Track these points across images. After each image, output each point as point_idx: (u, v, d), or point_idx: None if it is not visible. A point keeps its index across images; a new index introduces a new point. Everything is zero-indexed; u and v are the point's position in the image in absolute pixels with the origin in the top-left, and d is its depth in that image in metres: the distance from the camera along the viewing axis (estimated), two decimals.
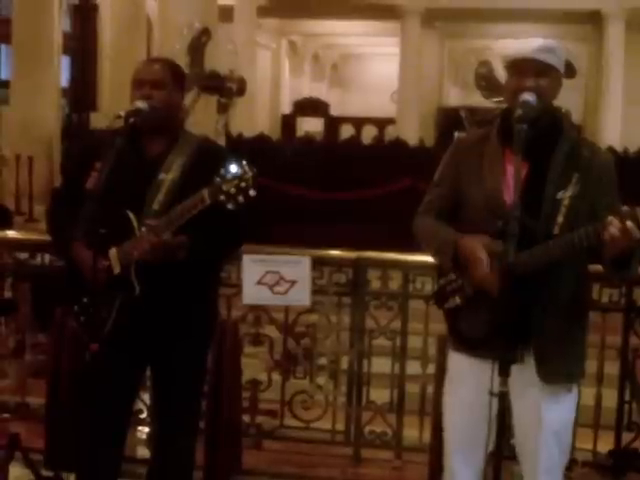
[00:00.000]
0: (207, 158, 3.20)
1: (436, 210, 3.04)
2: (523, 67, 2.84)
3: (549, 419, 2.91)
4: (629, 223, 2.57)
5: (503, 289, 2.63)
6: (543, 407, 2.90)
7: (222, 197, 2.91)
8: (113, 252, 3.15)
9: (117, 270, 3.16)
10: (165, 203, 3.14)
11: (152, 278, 3.11)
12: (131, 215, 3.13)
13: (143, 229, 3.09)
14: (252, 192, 2.92)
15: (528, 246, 2.73)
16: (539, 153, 2.85)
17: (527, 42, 2.89)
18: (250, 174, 2.91)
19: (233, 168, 2.91)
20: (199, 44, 11.56)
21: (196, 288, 3.26)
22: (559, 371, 2.89)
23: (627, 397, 4.56)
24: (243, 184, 2.90)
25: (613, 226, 2.58)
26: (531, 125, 2.75)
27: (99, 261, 3.11)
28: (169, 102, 3.25)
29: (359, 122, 23.30)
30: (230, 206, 2.91)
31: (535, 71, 2.83)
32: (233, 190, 2.90)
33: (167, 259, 3.08)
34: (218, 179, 2.91)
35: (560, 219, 2.81)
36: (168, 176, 3.18)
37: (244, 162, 2.94)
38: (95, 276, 3.09)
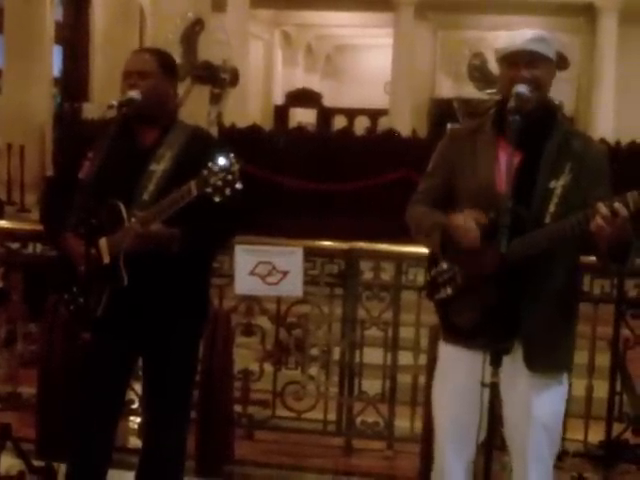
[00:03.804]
0: (199, 148, 3.19)
1: (429, 200, 3.04)
2: (516, 58, 2.85)
3: (538, 410, 2.91)
4: (616, 204, 2.57)
5: (495, 279, 2.64)
6: (532, 398, 2.91)
7: (209, 189, 2.91)
8: (103, 242, 3.15)
9: (106, 260, 3.15)
10: (155, 194, 3.13)
11: (141, 269, 3.10)
12: (121, 206, 3.12)
13: (132, 219, 3.08)
14: (238, 185, 2.92)
15: (519, 235, 2.73)
16: (532, 142, 2.85)
17: (518, 33, 2.90)
18: (237, 167, 2.92)
19: (221, 161, 2.91)
20: (192, 34, 11.55)
21: (187, 279, 3.25)
22: (546, 361, 2.90)
23: (618, 388, 4.57)
24: (229, 177, 2.90)
25: (599, 215, 2.59)
26: (525, 115, 2.75)
27: (89, 254, 3.10)
28: (156, 91, 3.22)
29: (352, 113, 23.26)
30: (217, 199, 2.91)
31: (528, 62, 2.84)
32: (220, 183, 2.90)
33: (159, 250, 3.08)
34: (205, 171, 2.91)
35: (552, 208, 2.81)
36: (159, 167, 3.18)
37: (231, 155, 2.94)
38: (85, 268, 3.09)
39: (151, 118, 3.23)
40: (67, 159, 3.47)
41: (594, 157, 2.92)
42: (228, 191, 2.91)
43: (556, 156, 2.86)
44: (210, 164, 2.91)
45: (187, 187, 2.97)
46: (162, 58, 3.32)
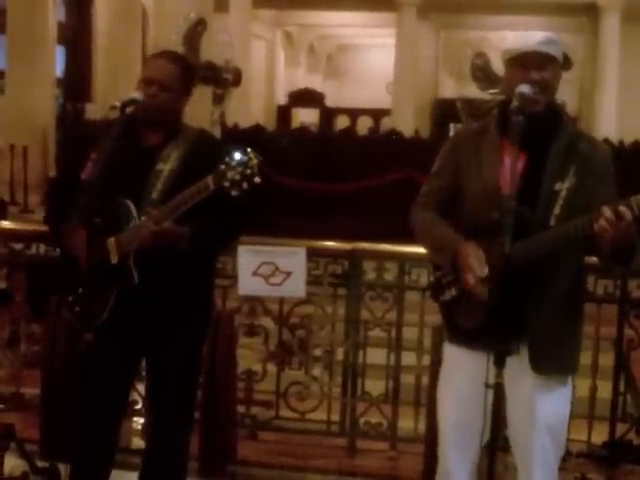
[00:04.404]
0: (205, 150, 3.20)
1: (434, 202, 3.03)
2: (527, 60, 2.84)
3: (543, 412, 2.90)
4: (621, 208, 2.57)
5: (500, 280, 2.63)
6: (537, 400, 2.89)
7: (226, 184, 2.90)
8: (111, 241, 3.14)
9: (115, 259, 3.14)
10: (164, 193, 3.12)
11: (150, 268, 3.09)
12: (130, 204, 3.12)
13: (143, 218, 3.08)
14: (257, 179, 2.91)
15: (524, 237, 2.73)
16: (538, 144, 2.85)
17: (527, 35, 2.89)
18: (255, 161, 2.91)
19: (238, 155, 2.91)
20: (194, 34, 11.56)
21: (192, 279, 3.25)
22: (552, 363, 2.89)
23: (621, 388, 4.57)
24: (248, 171, 2.90)
25: (603, 218, 2.58)
26: (530, 116, 2.75)
27: (94, 254, 3.10)
28: (174, 104, 3.23)
29: (354, 113, 23.28)
30: (234, 193, 2.90)
31: (539, 63, 2.83)
32: (238, 177, 2.89)
33: (168, 249, 3.07)
34: (223, 166, 2.90)
35: (557, 210, 2.81)
36: (166, 166, 3.17)
37: (249, 149, 2.94)
38: (90, 269, 3.08)
39: (157, 122, 3.23)
40: (70, 161, 3.45)
41: (599, 159, 2.91)
42: (246, 185, 2.90)
43: (562, 158, 2.85)
44: (227, 159, 2.90)
45: (204, 182, 2.96)
46: (186, 73, 3.29)
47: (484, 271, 2.78)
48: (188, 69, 3.34)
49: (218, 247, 3.41)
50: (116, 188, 3.12)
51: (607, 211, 2.58)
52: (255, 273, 4.44)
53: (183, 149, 3.21)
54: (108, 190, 3.09)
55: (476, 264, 2.79)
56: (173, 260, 3.11)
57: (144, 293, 3.11)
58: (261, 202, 3.15)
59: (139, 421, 4.69)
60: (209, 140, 3.39)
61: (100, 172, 3.11)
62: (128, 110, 3.13)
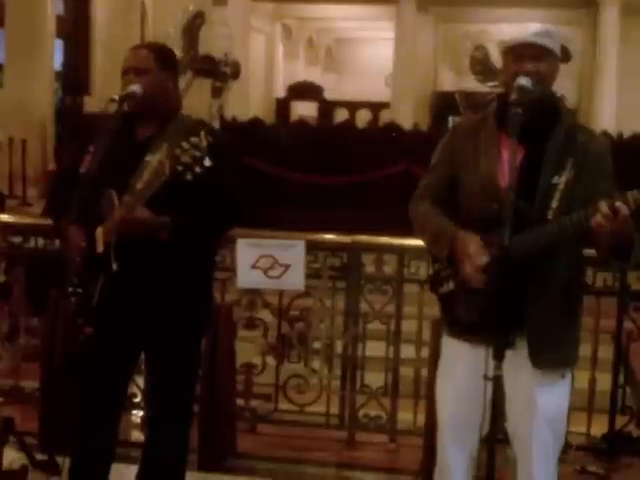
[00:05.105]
0: None
1: (432, 195, 3.03)
2: (522, 51, 2.83)
3: (542, 405, 2.89)
4: (617, 203, 2.56)
5: (498, 273, 2.63)
6: (536, 393, 2.89)
7: (179, 167, 2.85)
8: (99, 231, 3.13)
9: (100, 249, 3.12)
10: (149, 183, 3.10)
11: (133, 256, 3.06)
12: (113, 193, 3.10)
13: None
14: (207, 162, 2.85)
15: (522, 231, 2.72)
16: (536, 137, 2.84)
17: (524, 27, 2.89)
18: (205, 143, 2.86)
19: (193, 138, 2.86)
20: (193, 27, 11.56)
21: (183, 269, 3.21)
22: (551, 357, 2.88)
23: (621, 381, 4.58)
24: (198, 153, 2.84)
25: (600, 212, 2.58)
26: (528, 109, 2.74)
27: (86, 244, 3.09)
28: (153, 88, 3.18)
29: (353, 106, 23.22)
30: (189, 177, 2.85)
31: (534, 55, 2.82)
32: (189, 160, 2.84)
33: (148, 237, 3.05)
34: (178, 150, 2.86)
35: (554, 204, 2.80)
36: (155, 157, 3.15)
37: (203, 131, 2.90)
38: (82, 259, 3.08)
39: (151, 112, 3.21)
40: (70, 155, 3.46)
41: (597, 152, 2.90)
42: (198, 169, 2.84)
43: (559, 151, 2.85)
44: (183, 142, 2.86)
45: (161, 166, 2.93)
46: (159, 53, 3.26)
47: (483, 260, 2.78)
48: (160, 49, 3.30)
49: (205, 238, 3.32)
50: (110, 182, 3.11)
51: (603, 206, 2.57)
52: (254, 266, 4.44)
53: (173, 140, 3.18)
54: (103, 183, 3.09)
55: (475, 253, 2.79)
56: (156, 250, 3.08)
57: (130, 282, 3.10)
58: (250, 195, 3.13)
59: (138, 414, 4.69)
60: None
61: (98, 167, 3.10)
62: (126, 104, 3.12)
